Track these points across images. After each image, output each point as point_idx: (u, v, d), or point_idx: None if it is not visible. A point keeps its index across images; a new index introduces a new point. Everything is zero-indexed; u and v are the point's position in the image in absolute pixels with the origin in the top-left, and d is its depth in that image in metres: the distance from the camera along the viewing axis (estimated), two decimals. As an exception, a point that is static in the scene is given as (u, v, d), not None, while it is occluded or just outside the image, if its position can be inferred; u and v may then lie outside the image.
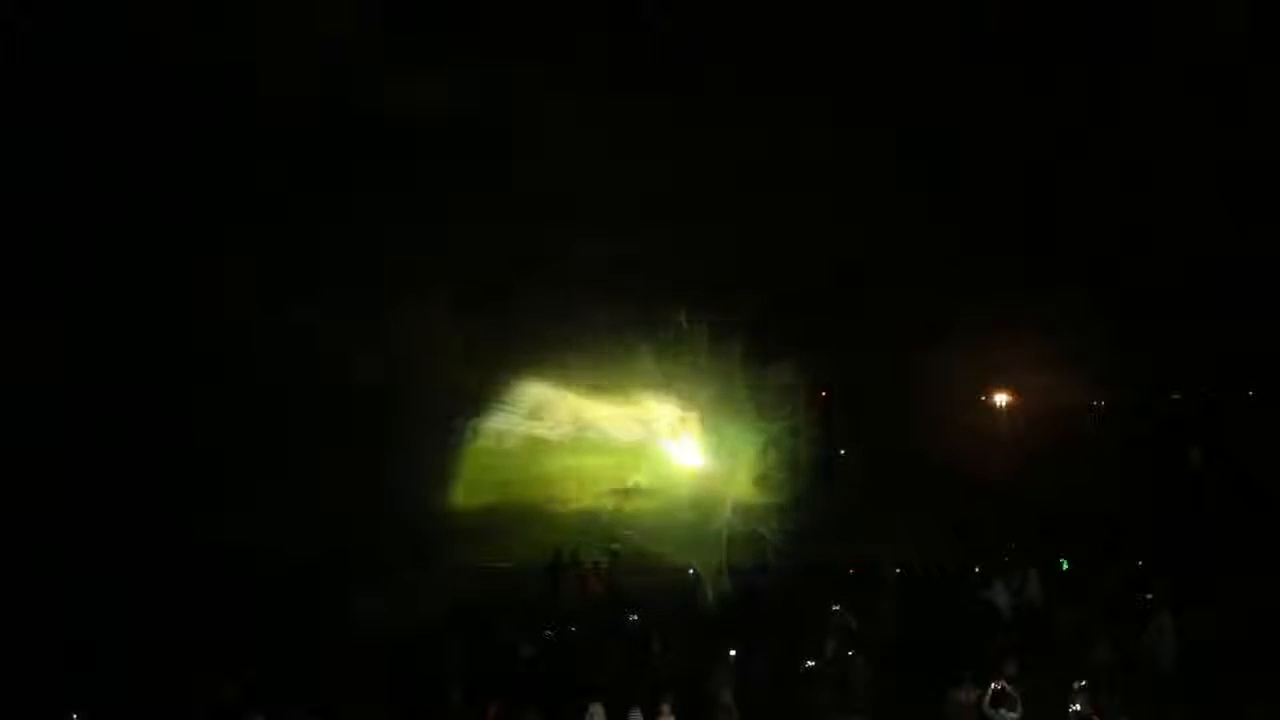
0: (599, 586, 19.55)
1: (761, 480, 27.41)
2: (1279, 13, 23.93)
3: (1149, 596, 15.49)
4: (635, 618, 16.60)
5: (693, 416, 28.82)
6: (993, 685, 11.81)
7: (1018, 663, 12.24)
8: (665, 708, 11.63)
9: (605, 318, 27.80)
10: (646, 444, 29.06)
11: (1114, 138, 26.64)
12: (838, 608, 15.66)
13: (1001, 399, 31.46)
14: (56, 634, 15.55)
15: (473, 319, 26.40)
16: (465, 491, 26.08)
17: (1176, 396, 31.98)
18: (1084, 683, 11.76)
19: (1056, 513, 22.37)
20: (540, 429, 27.95)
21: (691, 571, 20.03)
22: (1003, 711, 11.68)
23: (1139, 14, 25.59)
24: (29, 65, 21.04)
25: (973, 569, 18.20)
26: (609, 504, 27.41)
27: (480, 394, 27.03)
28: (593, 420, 28.76)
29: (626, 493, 28.12)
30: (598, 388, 28.61)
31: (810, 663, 14.16)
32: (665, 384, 28.74)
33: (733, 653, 13.74)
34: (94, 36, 21.43)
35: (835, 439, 29.04)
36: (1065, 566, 18.07)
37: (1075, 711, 11.51)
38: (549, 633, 15.70)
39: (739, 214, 25.75)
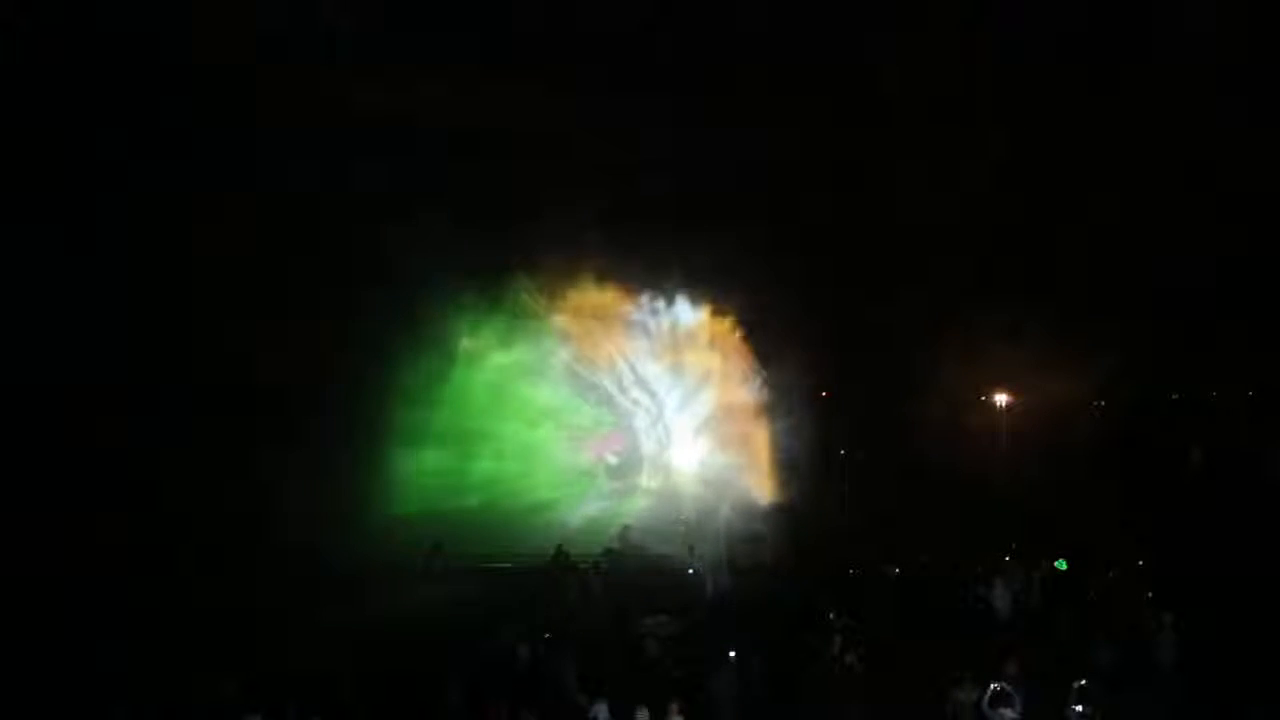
0: (599, 586, 19.50)
1: (762, 480, 27.48)
2: (1278, 13, 23.95)
3: (1149, 596, 15.50)
4: (634, 618, 16.58)
5: (694, 416, 28.88)
6: (992, 685, 11.81)
7: (1018, 663, 12.25)
8: (674, 707, 11.60)
9: (604, 316, 27.88)
10: (646, 445, 29.11)
11: (1114, 138, 26.65)
12: (837, 608, 15.66)
13: (1001, 399, 31.45)
14: (55, 634, 15.54)
15: (472, 319, 26.47)
16: (463, 491, 26.09)
17: (1176, 396, 31.99)
18: (1084, 683, 11.76)
19: (1056, 513, 22.35)
20: (541, 430, 27.96)
21: (691, 571, 20.00)
22: (1003, 711, 11.68)
23: (1139, 15, 25.62)
24: (29, 65, 21.06)
25: (973, 569, 18.18)
26: (609, 504, 27.42)
27: (479, 394, 27.06)
28: (594, 420, 28.79)
29: (626, 493, 28.13)
30: (599, 387, 28.66)
31: (810, 663, 14.17)
32: (666, 383, 28.82)
33: (733, 653, 13.71)
34: (94, 36, 21.44)
35: (835, 439, 29.04)
36: (1064, 567, 18.04)
37: (1075, 711, 11.51)
38: (549, 634, 15.66)
39: (739, 214, 25.76)
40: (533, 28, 24.64)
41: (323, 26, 22.74)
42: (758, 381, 28.39)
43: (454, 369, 26.52)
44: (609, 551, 21.75)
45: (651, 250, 26.35)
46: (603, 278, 27.30)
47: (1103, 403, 32.17)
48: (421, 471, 25.73)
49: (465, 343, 26.58)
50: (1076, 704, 11.54)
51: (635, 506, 27.15)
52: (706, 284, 27.77)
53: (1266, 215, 25.53)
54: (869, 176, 26.15)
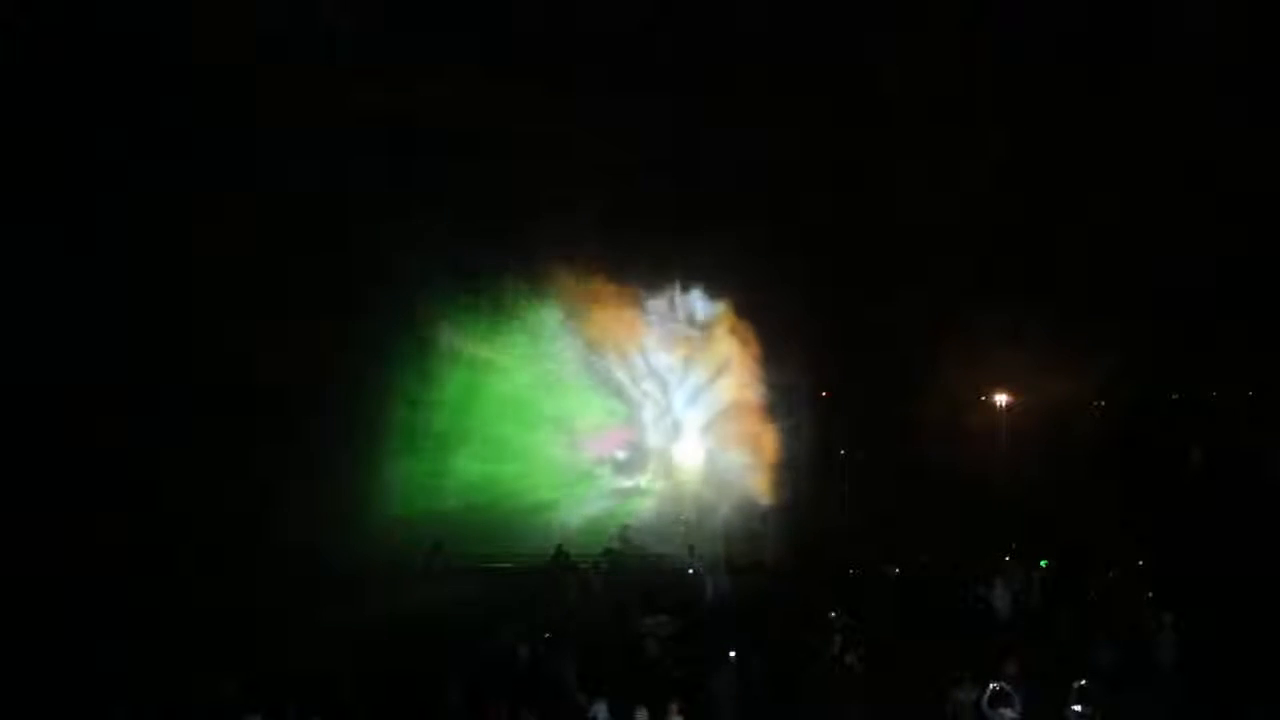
0: (599, 586, 19.52)
1: (762, 480, 27.47)
2: (1278, 13, 23.94)
3: (1149, 596, 15.51)
4: (634, 618, 16.58)
5: (696, 414, 28.88)
6: (992, 685, 11.80)
7: (1018, 663, 12.25)
8: (674, 707, 11.59)
9: (603, 317, 27.86)
10: (648, 444, 29.09)
11: (1114, 138, 26.64)
12: (837, 608, 15.68)
13: (1001, 399, 31.45)
14: (55, 634, 15.55)
15: (471, 319, 26.45)
16: (463, 492, 26.08)
17: (1176, 396, 31.99)
18: (1084, 683, 11.76)
19: (1056, 513, 22.36)
20: (542, 430, 27.95)
21: (691, 571, 20.02)
22: (1003, 711, 11.67)
23: (1139, 14, 25.61)
24: (29, 65, 21.06)
25: (973, 569, 18.19)
26: (609, 504, 27.41)
27: (479, 394, 27.04)
28: (601, 417, 28.77)
29: (627, 493, 28.12)
30: (599, 387, 28.64)
31: (810, 663, 14.18)
32: (667, 380, 28.82)
33: (733, 653, 13.72)
34: (94, 36, 21.44)
35: (835, 440, 29.04)
36: (1045, 564, 18.00)
37: (1075, 711, 11.51)
38: (549, 634, 15.68)
39: (739, 214, 25.74)
40: (533, 28, 24.62)
41: (323, 26, 22.73)
42: (758, 381, 28.39)
43: (453, 369, 26.51)
44: (609, 551, 21.77)
45: (652, 250, 26.36)
46: (603, 277, 27.30)
47: (1103, 403, 32.13)
48: (422, 471, 25.72)
49: (465, 343, 26.56)
50: (1076, 704, 11.54)
51: (636, 506, 27.16)
52: (706, 284, 27.78)
53: (1266, 215, 25.51)
54: (869, 176, 26.12)
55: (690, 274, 27.65)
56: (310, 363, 22.49)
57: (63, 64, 21.33)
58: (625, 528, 23.57)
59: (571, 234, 25.06)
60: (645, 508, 26.95)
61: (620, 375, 28.65)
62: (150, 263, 22.02)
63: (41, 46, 21.20)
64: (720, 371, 28.69)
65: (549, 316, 27.42)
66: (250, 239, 22.20)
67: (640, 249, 26.41)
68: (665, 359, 28.72)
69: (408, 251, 23.44)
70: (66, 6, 21.66)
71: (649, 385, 28.83)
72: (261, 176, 22.29)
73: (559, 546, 21.03)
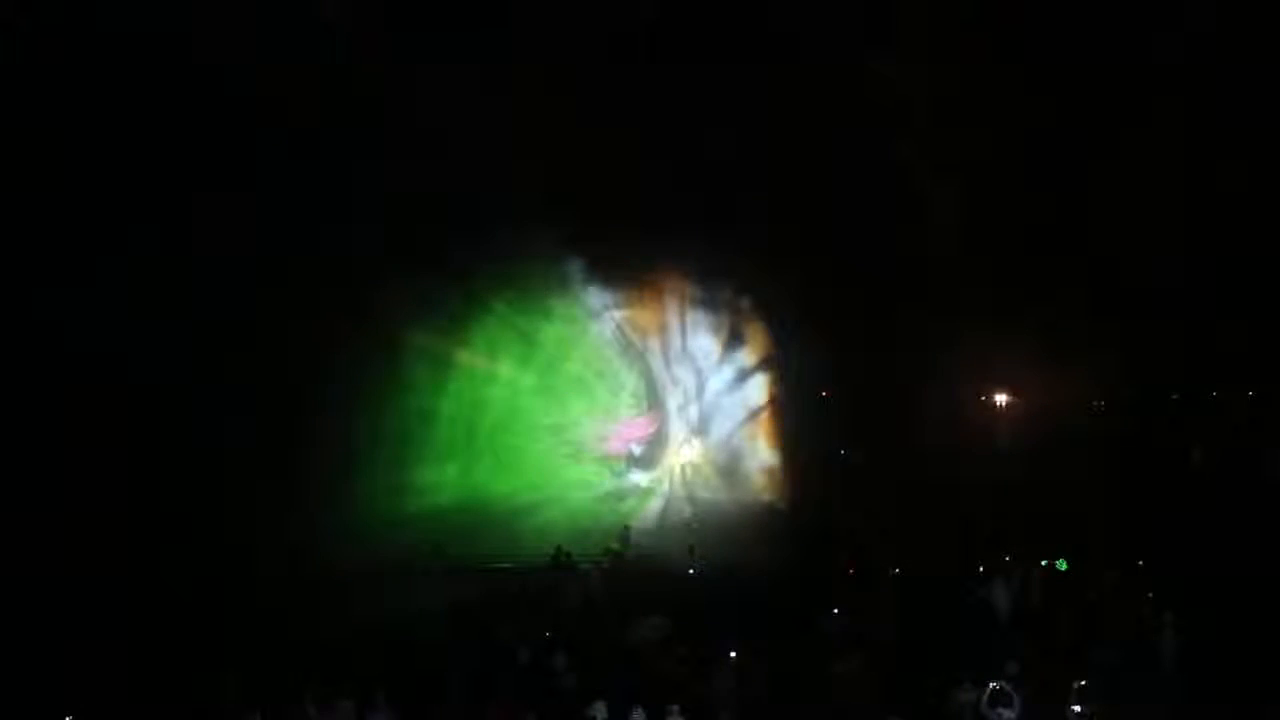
0: (599, 587, 19.53)
1: (762, 479, 27.51)
2: (1276, 12, 23.92)
3: (1149, 596, 15.51)
4: (634, 619, 16.59)
5: (695, 417, 28.92)
6: (992, 685, 11.80)
7: (1018, 663, 12.25)
8: (674, 708, 11.59)
9: (604, 316, 27.91)
10: (647, 444, 29.15)
11: (1113, 137, 26.61)
12: (837, 608, 15.70)
13: (1001, 399, 31.43)
14: (52, 633, 15.56)
15: (472, 321, 26.48)
16: (464, 491, 26.10)
17: (1176, 396, 31.95)
18: (1084, 683, 11.77)
19: (1056, 513, 22.35)
20: (543, 429, 28.00)
21: (691, 571, 20.05)
22: (1002, 711, 11.67)
23: (1138, 13, 25.59)
24: (29, 65, 21.06)
25: (973, 569, 18.19)
26: (610, 504, 27.45)
27: (484, 394, 27.07)
28: (594, 421, 28.82)
29: (627, 493, 28.17)
30: (599, 387, 28.70)
31: (810, 663, 14.19)
32: (667, 383, 28.86)
33: (733, 653, 13.74)
34: (94, 36, 21.43)
35: (835, 439, 29.06)
36: (1064, 566, 18.04)
37: (1075, 711, 11.52)
38: (549, 634, 15.69)
39: (739, 214, 25.74)
40: (533, 28, 24.59)
41: (322, 26, 22.72)
42: (759, 379, 28.43)
43: (453, 371, 26.53)
44: (609, 552, 21.80)
45: (652, 250, 26.38)
46: (603, 277, 27.35)
47: (1103, 403, 32.08)
48: (423, 473, 25.76)
49: (463, 345, 26.59)
50: (1076, 704, 11.54)
51: (637, 506, 27.21)
52: (706, 283, 27.80)
53: (1266, 215, 25.47)
54: (869, 176, 26.09)
55: (690, 274, 27.69)
56: (311, 363, 22.52)
57: (63, 64, 21.32)
58: (625, 528, 23.59)
59: (572, 234, 25.09)
60: (647, 508, 27.01)
61: (621, 376, 28.72)
62: (148, 263, 22.01)
63: (41, 46, 21.19)
64: (721, 372, 28.76)
65: (547, 318, 27.48)
66: (250, 240, 22.20)
67: (640, 248, 26.45)
68: (665, 360, 28.81)
69: (407, 253, 23.46)
70: (66, 6, 21.64)
71: (649, 386, 28.90)
72: (262, 176, 22.30)
73: (559, 547, 21.05)
